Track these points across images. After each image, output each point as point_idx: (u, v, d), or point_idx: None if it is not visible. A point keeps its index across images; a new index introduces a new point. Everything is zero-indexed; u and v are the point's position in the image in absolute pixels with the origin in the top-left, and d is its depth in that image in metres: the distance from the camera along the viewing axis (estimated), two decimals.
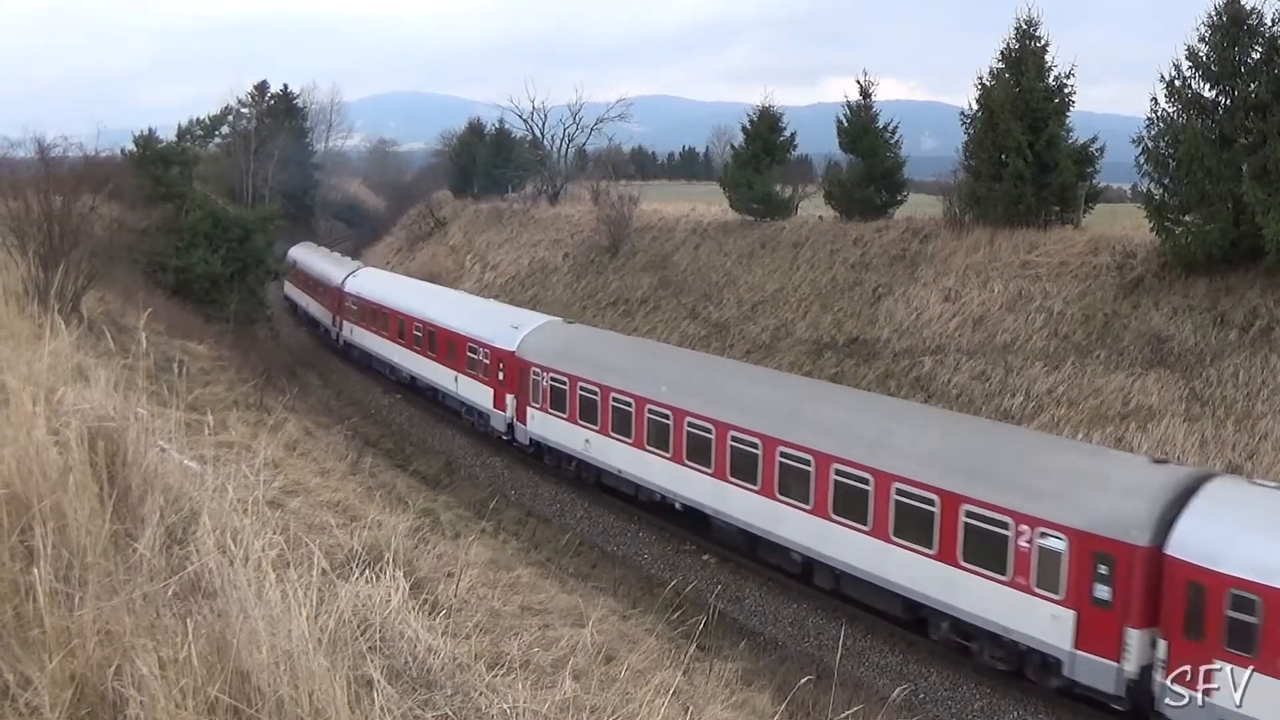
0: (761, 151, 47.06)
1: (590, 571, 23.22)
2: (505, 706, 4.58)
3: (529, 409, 28.68)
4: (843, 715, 8.70)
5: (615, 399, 25.41)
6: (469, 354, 31.99)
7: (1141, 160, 29.06)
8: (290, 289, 58.06)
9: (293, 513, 10.06)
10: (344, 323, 45.05)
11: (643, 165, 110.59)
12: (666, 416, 23.72)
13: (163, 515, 5.00)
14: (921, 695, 18.15)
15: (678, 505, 23.96)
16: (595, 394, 26.09)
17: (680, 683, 8.31)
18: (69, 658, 3.80)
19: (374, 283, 44.60)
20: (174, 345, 24.55)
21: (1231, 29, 26.95)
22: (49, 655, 3.82)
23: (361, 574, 5.29)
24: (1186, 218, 27.85)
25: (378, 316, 40.65)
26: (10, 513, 4.49)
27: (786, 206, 46.01)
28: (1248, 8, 26.93)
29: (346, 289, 44.73)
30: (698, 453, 22.82)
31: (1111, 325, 28.39)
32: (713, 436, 22.35)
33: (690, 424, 23.02)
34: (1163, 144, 28.41)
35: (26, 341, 8.06)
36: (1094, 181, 36.17)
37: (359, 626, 4.62)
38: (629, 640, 12.78)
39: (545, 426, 28.23)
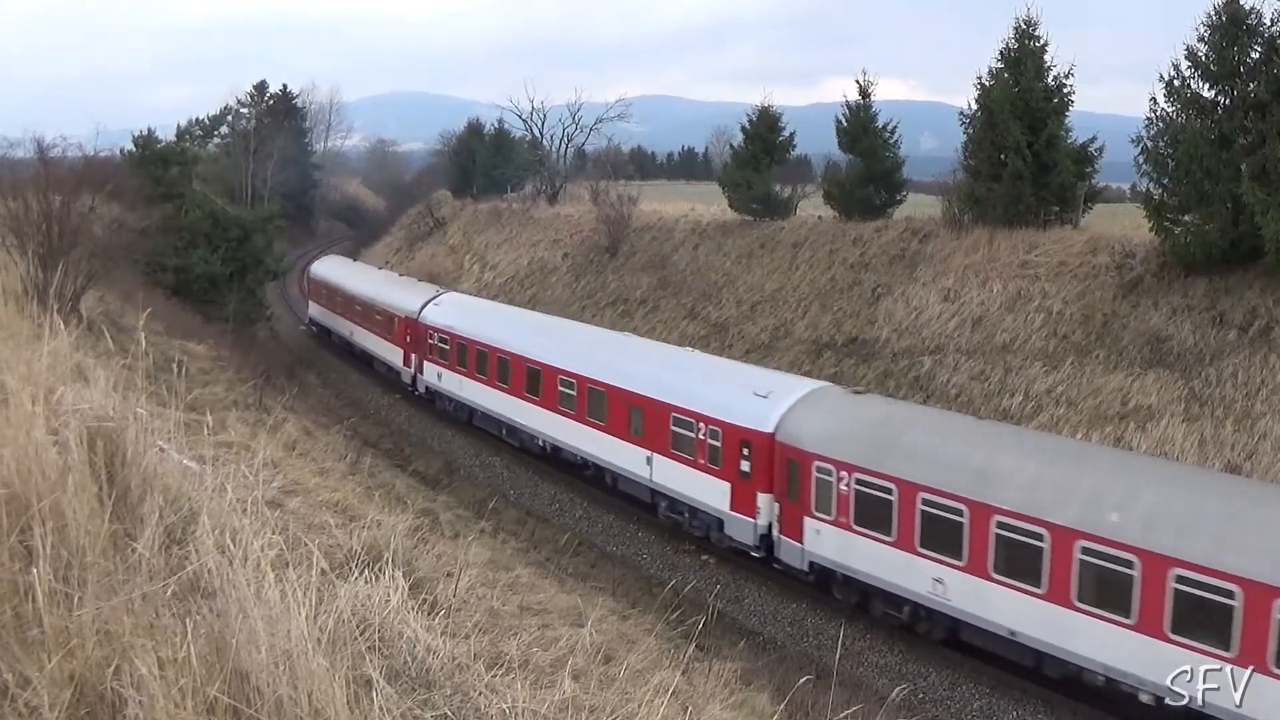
0: (761, 151, 47.08)
1: (589, 571, 23.21)
2: (504, 706, 4.58)
3: (817, 523, 19.78)
4: (842, 715, 8.71)
5: (1003, 524, 16.56)
6: (677, 430, 23.42)
7: (1141, 160, 29.06)
8: (319, 311, 50.18)
9: (292, 513, 10.06)
10: (426, 364, 36.00)
11: (642, 165, 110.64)
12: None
13: (162, 515, 5.00)
14: (920, 695, 18.15)
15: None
16: (960, 515, 17.17)
17: (679, 682, 8.32)
18: (68, 658, 3.80)
19: (474, 316, 35.18)
20: (173, 345, 24.54)
21: (1231, 29, 26.95)
22: (48, 655, 3.82)
23: (361, 574, 5.29)
24: (1186, 218, 27.86)
25: (491, 362, 31.44)
26: (9, 513, 4.49)
27: (786, 206, 46.03)
28: (1247, 8, 26.94)
29: (428, 321, 35.71)
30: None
31: (1110, 325, 28.40)
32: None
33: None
34: (1162, 144, 28.41)
35: (26, 341, 8.05)
36: (1093, 181, 36.17)
37: (358, 626, 4.62)
38: (628, 640, 12.78)
39: (849, 551, 19.27)
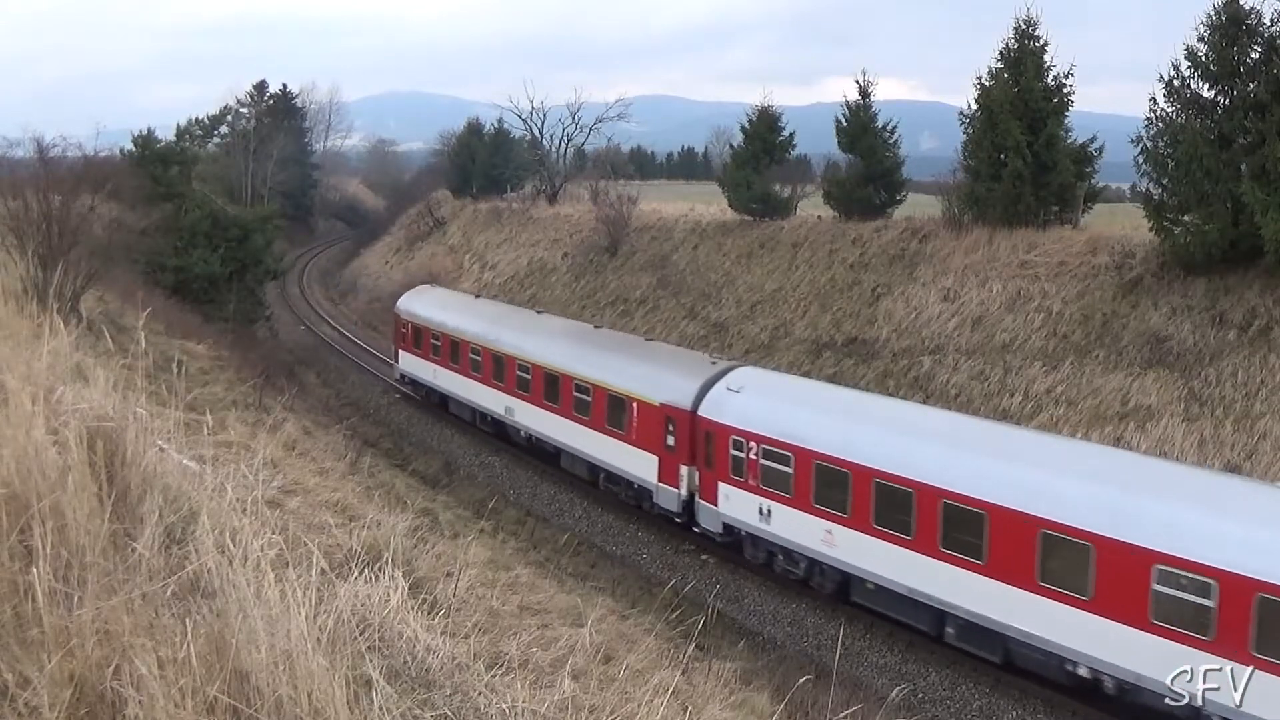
0: (760, 151, 47.08)
1: (589, 571, 23.23)
2: (504, 706, 4.58)
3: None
4: (841, 715, 8.72)
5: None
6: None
7: (1140, 160, 29.05)
8: (426, 367, 36.27)
9: (292, 512, 10.07)
10: (731, 489, 22.18)
11: (642, 165, 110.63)
12: None
13: (161, 515, 5.00)
14: (920, 695, 18.16)
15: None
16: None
17: (679, 682, 8.32)
18: (68, 657, 3.80)
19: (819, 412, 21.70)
20: (173, 345, 24.53)
21: (1230, 29, 26.95)
22: (48, 655, 3.82)
23: (360, 574, 5.29)
24: (1185, 218, 27.85)
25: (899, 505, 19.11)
26: (9, 512, 4.49)
27: (785, 206, 46.02)
28: (1247, 8, 26.94)
29: (722, 420, 22.36)
30: None
31: (1110, 325, 28.40)
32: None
33: None
34: (1162, 144, 28.40)
35: (25, 341, 8.05)
36: (1093, 181, 36.19)
37: (358, 626, 4.62)
38: (628, 640, 12.79)
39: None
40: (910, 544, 18.15)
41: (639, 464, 25.02)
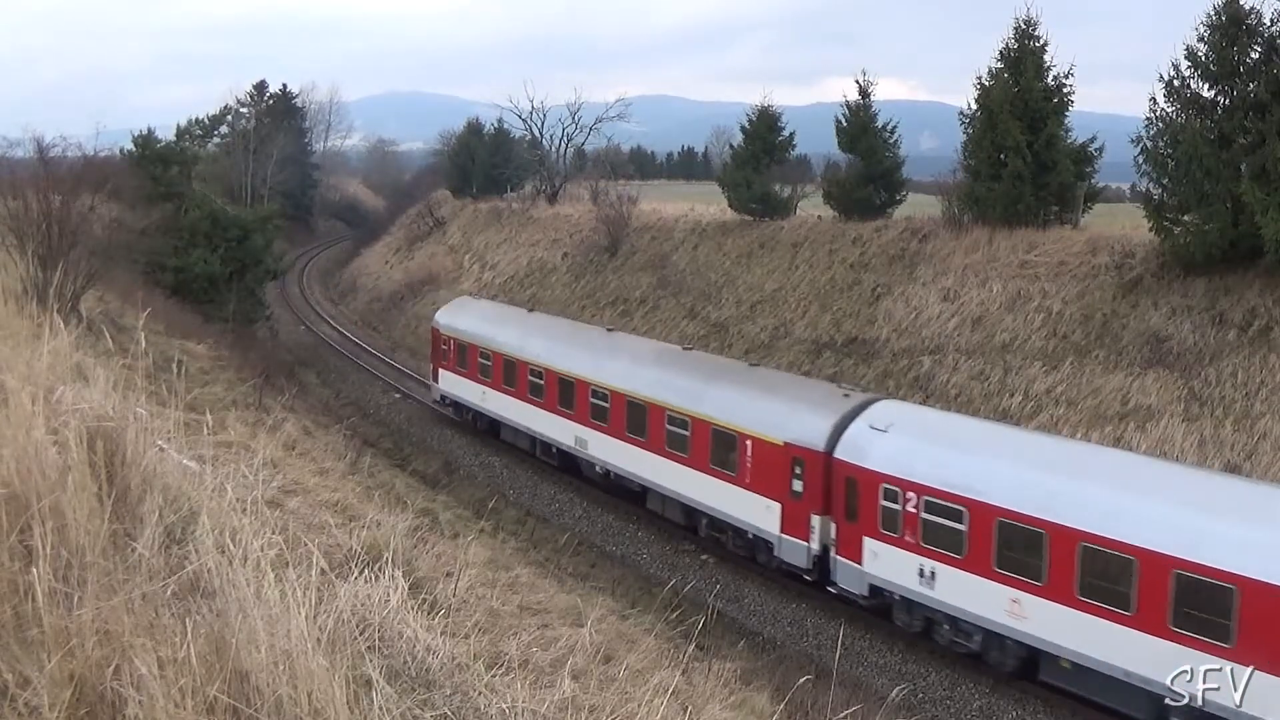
0: (760, 151, 47.07)
1: (589, 571, 23.23)
2: (504, 706, 4.58)
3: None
4: (841, 715, 8.71)
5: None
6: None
7: (1140, 160, 29.04)
8: (472, 389, 32.95)
9: (292, 512, 10.07)
10: (879, 545, 19.39)
11: (642, 165, 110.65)
12: None
13: (161, 515, 5.00)
14: (920, 695, 18.17)
15: None
16: None
17: (679, 682, 8.32)
18: (68, 657, 3.80)
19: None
20: (173, 345, 24.52)
21: (1230, 29, 26.94)
22: (48, 655, 3.82)
23: (360, 574, 5.28)
24: (1185, 217, 27.85)
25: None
26: (9, 512, 4.49)
27: (785, 206, 46.01)
28: (1247, 8, 26.93)
29: (867, 465, 19.49)
30: None
31: (1110, 325, 28.40)
32: None
33: None
34: (1162, 144, 28.40)
35: (25, 341, 8.05)
36: (1093, 181, 36.18)
37: (358, 626, 4.62)
38: (628, 640, 12.79)
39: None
40: (1129, 620, 15.29)
41: (755, 511, 21.71)
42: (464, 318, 34.91)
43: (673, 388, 24.52)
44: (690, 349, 29.01)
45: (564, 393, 27.85)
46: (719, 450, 22.65)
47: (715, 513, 23.06)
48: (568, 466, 28.85)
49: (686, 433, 23.58)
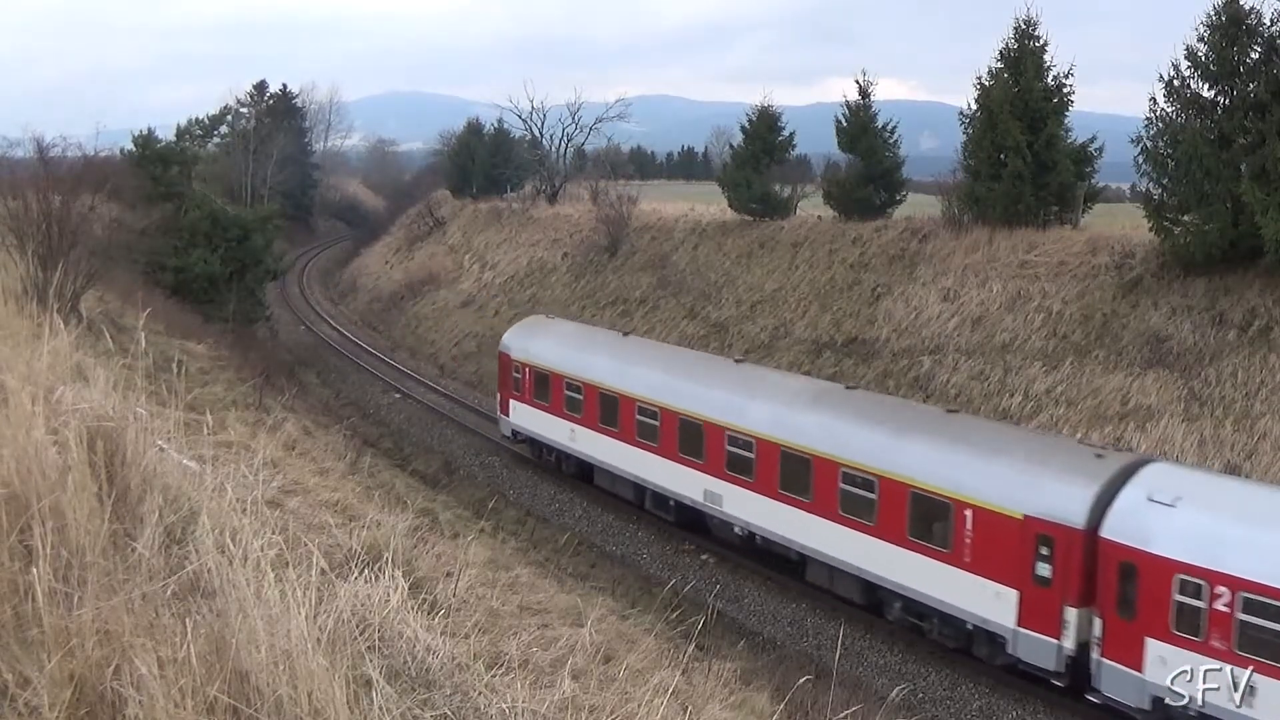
0: (760, 151, 47.07)
1: (589, 571, 23.22)
2: (504, 706, 4.58)
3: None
4: (841, 715, 8.72)
5: None
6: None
7: (1140, 160, 29.04)
8: (552, 426, 28.89)
9: (292, 512, 10.06)
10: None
11: (642, 165, 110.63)
12: None
13: (161, 515, 5.00)
14: (920, 695, 18.17)
15: None
16: None
17: (679, 682, 8.32)
18: (68, 657, 3.80)
19: None
20: (173, 345, 24.53)
21: (1230, 29, 26.94)
22: (48, 655, 3.82)
23: (360, 574, 5.29)
24: (1185, 217, 27.86)
25: None
26: (9, 512, 4.49)
27: (785, 206, 46.02)
28: (1247, 8, 26.93)
29: (1169, 556, 15.58)
30: None
31: (1110, 325, 28.40)
32: None
33: None
34: (1161, 144, 28.40)
35: (25, 341, 8.05)
36: (1093, 181, 36.18)
37: (358, 626, 4.62)
38: (628, 640, 12.79)
39: None
40: None
41: (977, 597, 17.69)
42: (541, 341, 30.16)
43: (846, 438, 20.32)
44: (854, 388, 24.53)
45: (688, 437, 23.64)
46: (921, 519, 18.57)
47: (915, 595, 18.86)
48: (689, 523, 24.64)
49: (872, 495, 19.34)
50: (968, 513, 17.65)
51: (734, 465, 22.41)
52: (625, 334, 31.44)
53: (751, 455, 21.96)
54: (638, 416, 25.22)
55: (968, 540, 17.72)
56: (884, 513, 19.12)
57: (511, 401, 30.52)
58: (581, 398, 27.25)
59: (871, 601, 20.17)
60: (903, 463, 18.93)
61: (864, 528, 19.49)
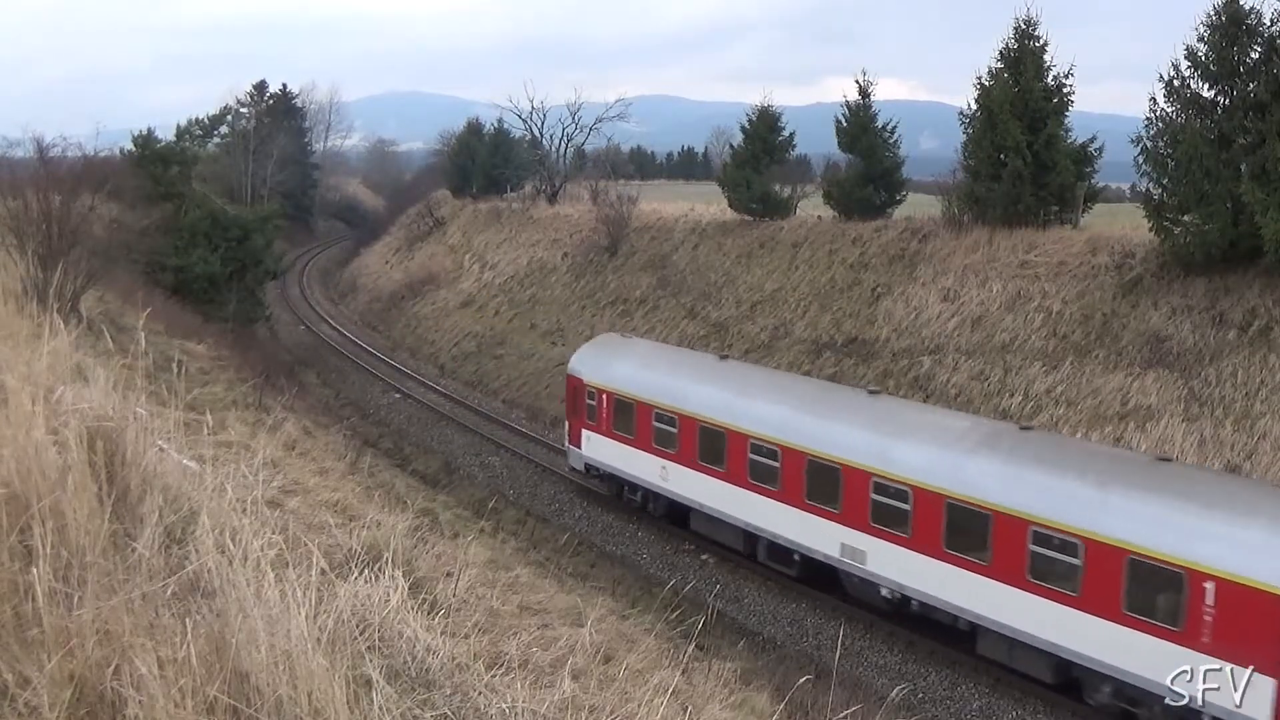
0: (760, 151, 47.05)
1: (589, 571, 23.22)
2: (504, 706, 4.58)
3: None
4: (841, 715, 8.72)
5: None
6: None
7: (1140, 160, 29.03)
8: (638, 462, 25.54)
9: (292, 512, 10.06)
10: None
11: (642, 165, 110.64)
12: None
13: (161, 515, 5.00)
14: (920, 695, 18.17)
15: None
16: None
17: (679, 682, 8.32)
18: (68, 657, 3.80)
19: None
20: (173, 345, 24.52)
21: (1230, 29, 26.93)
22: (48, 655, 3.82)
23: (360, 574, 5.29)
24: (1185, 217, 27.84)
25: None
26: (9, 513, 4.49)
27: (785, 206, 46.00)
28: (1247, 8, 26.93)
29: None
30: None
31: (1110, 325, 28.40)
32: None
33: None
34: (1161, 144, 28.39)
35: (25, 341, 8.05)
36: (1093, 181, 36.17)
37: (358, 626, 4.62)
38: (628, 640, 12.78)
39: None
40: None
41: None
42: (622, 364, 26.67)
43: (1036, 489, 17.09)
44: (1028, 428, 20.61)
45: (819, 481, 20.57)
46: (1140, 588, 15.51)
47: (1134, 679, 15.63)
48: (815, 577, 21.54)
49: (1076, 561, 16.19)
50: (1207, 586, 14.63)
51: (881, 517, 19.22)
52: (722, 356, 27.52)
53: (906, 506, 18.79)
54: (750, 455, 21.94)
55: (1209, 620, 14.71)
56: (1089, 582, 16.02)
57: (585, 432, 26.99)
58: (676, 431, 23.96)
59: (1061, 678, 17.08)
60: (1113, 523, 15.78)
61: (1063, 598, 16.38)
